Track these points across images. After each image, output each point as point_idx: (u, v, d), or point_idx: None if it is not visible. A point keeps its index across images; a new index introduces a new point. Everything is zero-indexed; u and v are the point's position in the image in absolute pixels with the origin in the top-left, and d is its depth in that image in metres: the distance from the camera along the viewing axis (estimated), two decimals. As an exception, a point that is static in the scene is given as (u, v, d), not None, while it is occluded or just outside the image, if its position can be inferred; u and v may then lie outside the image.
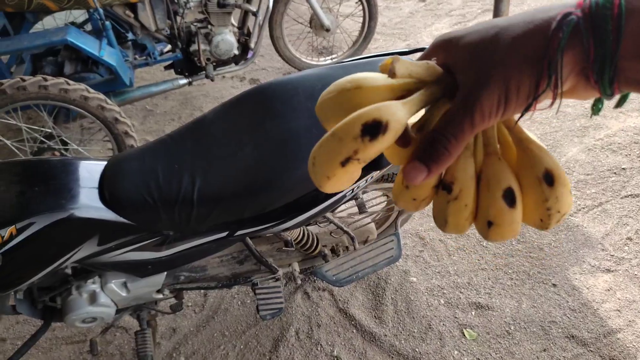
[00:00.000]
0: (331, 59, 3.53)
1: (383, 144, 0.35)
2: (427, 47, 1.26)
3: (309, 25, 3.37)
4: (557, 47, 0.31)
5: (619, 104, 0.36)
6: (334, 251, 1.67)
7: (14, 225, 1.06)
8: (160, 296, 1.45)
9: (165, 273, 1.39)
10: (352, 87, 0.39)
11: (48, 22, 2.85)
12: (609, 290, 1.89)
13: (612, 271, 1.96)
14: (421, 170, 0.35)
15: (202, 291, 1.96)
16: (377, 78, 0.39)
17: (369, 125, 0.34)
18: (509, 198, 0.39)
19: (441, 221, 0.41)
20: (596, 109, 0.37)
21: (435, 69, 0.38)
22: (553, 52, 0.31)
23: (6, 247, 1.06)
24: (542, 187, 0.38)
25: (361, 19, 3.41)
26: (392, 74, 0.37)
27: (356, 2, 3.37)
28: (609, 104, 2.30)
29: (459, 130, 0.34)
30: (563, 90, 0.34)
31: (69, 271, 1.29)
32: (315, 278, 1.98)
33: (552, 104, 0.34)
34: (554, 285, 1.92)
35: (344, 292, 1.95)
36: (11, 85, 2.02)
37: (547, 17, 0.32)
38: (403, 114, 0.35)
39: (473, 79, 0.34)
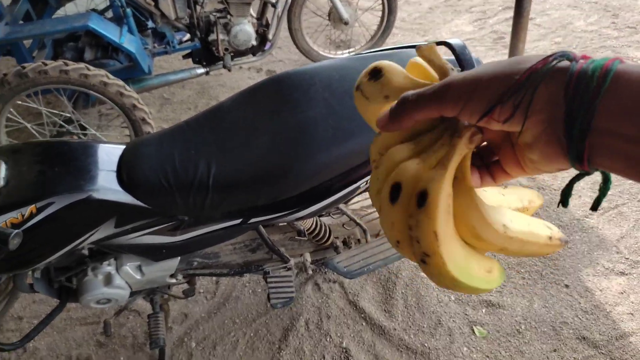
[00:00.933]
0: (349, 52, 3.52)
1: (374, 87, 0.44)
2: (446, 41, 1.23)
3: (327, 18, 3.36)
4: (541, 67, 0.32)
5: (595, 205, 0.35)
6: (345, 243, 1.67)
7: (34, 204, 1.08)
8: (174, 281, 1.47)
9: (179, 258, 1.40)
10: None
11: (70, 9, 2.88)
12: (622, 293, 1.87)
13: (627, 274, 1.93)
14: (385, 117, 0.40)
15: (214, 278, 1.98)
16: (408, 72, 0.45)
17: (375, 70, 0.44)
18: (394, 192, 0.39)
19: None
20: (565, 194, 0.36)
21: (448, 71, 0.42)
22: (535, 70, 0.32)
23: (26, 225, 1.08)
24: (412, 202, 0.38)
25: (380, 13, 3.39)
26: (419, 50, 0.44)
27: (376, -4, 3.35)
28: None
29: (420, 99, 0.37)
30: (524, 130, 0.34)
31: (85, 252, 1.31)
32: (326, 269, 1.98)
33: (506, 120, 0.33)
34: (567, 286, 1.91)
35: (354, 284, 1.96)
36: (33, 69, 2.05)
37: (546, 55, 0.33)
38: (398, 78, 0.43)
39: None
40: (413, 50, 1.32)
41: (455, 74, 0.38)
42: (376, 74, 0.43)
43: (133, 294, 1.44)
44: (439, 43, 1.38)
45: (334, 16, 3.29)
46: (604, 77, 0.29)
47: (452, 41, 1.34)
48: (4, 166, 1.12)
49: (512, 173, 0.41)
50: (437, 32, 3.94)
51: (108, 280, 1.34)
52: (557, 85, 0.31)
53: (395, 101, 0.41)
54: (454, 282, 0.39)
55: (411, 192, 0.39)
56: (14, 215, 1.07)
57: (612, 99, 0.29)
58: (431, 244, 0.37)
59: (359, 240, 1.69)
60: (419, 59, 0.45)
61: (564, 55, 0.32)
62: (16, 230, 1.02)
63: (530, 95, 0.32)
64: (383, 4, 3.31)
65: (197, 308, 1.90)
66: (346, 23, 3.27)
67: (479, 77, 0.34)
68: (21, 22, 2.47)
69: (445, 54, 1.38)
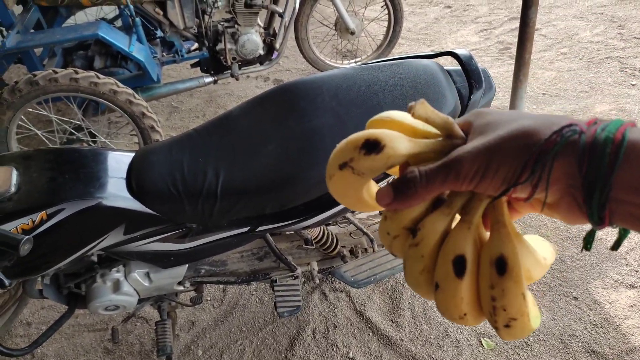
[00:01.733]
0: (355, 62, 3.54)
1: (375, 162, 0.38)
2: (453, 51, 1.24)
3: (334, 28, 3.39)
4: (550, 148, 0.32)
5: (616, 246, 0.35)
6: (352, 252, 1.67)
7: (44, 211, 1.09)
8: (181, 288, 1.47)
9: (187, 265, 1.41)
10: (387, 117, 0.43)
11: (80, 17, 2.92)
12: (632, 306, 1.85)
13: (636, 287, 1.91)
14: (388, 195, 0.38)
15: (221, 286, 1.98)
16: (408, 117, 0.42)
17: (369, 142, 0.38)
18: (458, 266, 0.38)
19: (403, 265, 0.42)
20: (587, 241, 0.36)
21: (452, 127, 0.40)
22: (544, 151, 0.32)
23: (37, 232, 1.08)
24: (490, 271, 0.37)
25: (386, 23, 3.41)
26: (411, 111, 0.40)
27: (382, 7, 3.37)
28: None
29: (432, 178, 0.36)
30: (546, 201, 0.34)
31: (94, 259, 1.31)
32: (333, 279, 1.98)
33: (528, 199, 0.34)
34: (575, 298, 1.89)
35: (361, 294, 1.95)
36: (44, 77, 2.07)
37: (558, 121, 0.33)
38: (402, 146, 0.38)
39: (469, 144, 0.36)
40: (418, 60, 1.33)
41: (464, 146, 0.36)
42: (374, 146, 0.37)
43: (141, 300, 1.44)
44: (446, 53, 1.39)
45: (340, 26, 3.32)
46: (615, 153, 0.30)
47: (459, 51, 1.35)
48: (15, 172, 1.12)
49: (522, 211, 0.41)
50: (442, 42, 3.96)
51: (116, 286, 1.34)
52: (569, 158, 0.31)
53: (388, 168, 0.39)
54: (530, 332, 0.38)
55: (479, 261, 0.38)
56: (24, 222, 1.08)
57: (627, 173, 0.29)
58: (521, 307, 0.36)
59: (365, 249, 1.68)
60: (393, 114, 0.42)
61: (571, 128, 0.32)
62: (27, 236, 1.02)
63: (547, 175, 0.32)
64: (389, 14, 3.34)
65: (204, 316, 1.90)
66: (352, 33, 3.29)
67: (491, 152, 0.34)
68: (32, 30, 2.50)
69: (451, 64, 1.38)
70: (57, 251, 1.16)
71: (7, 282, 1.03)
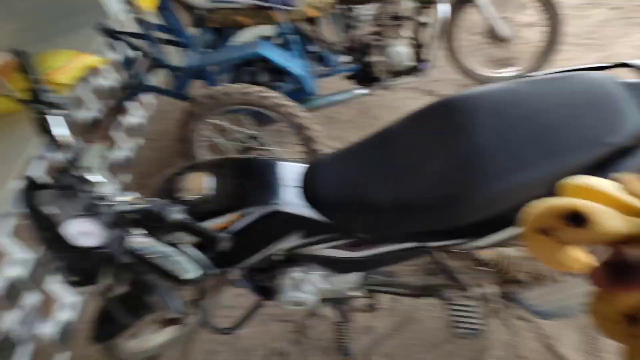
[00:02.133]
0: (510, 70, 3.32)
1: (580, 235, 0.38)
2: (629, 62, 1.06)
3: (485, 35, 3.21)
4: None
5: None
6: (535, 279, 1.52)
7: (237, 212, 1.23)
8: (356, 294, 1.53)
9: (360, 273, 1.46)
10: (592, 186, 0.42)
11: (245, 36, 3.16)
12: None
13: None
14: (605, 278, 0.37)
15: (394, 297, 1.97)
16: (610, 187, 0.41)
17: (576, 215, 0.39)
18: None
19: (626, 354, 0.38)
20: None
21: None
22: None
23: (231, 230, 1.22)
24: None
25: (542, 29, 3.13)
26: (622, 182, 0.40)
27: (538, 11, 3.10)
28: None
29: None
30: None
31: (281, 257, 1.42)
32: (514, 305, 1.83)
33: None
34: None
35: (548, 326, 1.78)
36: (219, 92, 2.30)
37: None
38: (614, 224, 0.37)
39: None
40: (589, 72, 1.20)
41: None
42: (578, 220, 0.38)
43: (322, 300, 1.53)
44: (618, 65, 1.23)
45: (492, 34, 3.14)
46: None
47: (636, 62, 1.19)
48: (214, 178, 1.29)
49: None
50: (611, 48, 3.53)
51: (299, 285, 1.43)
52: None
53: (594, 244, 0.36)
54: None
55: None
56: (221, 221, 1.22)
57: None
58: None
59: (550, 277, 1.51)
60: (598, 184, 0.40)
61: None
62: (226, 234, 1.16)
63: None
64: (547, 18, 3.06)
65: (379, 323, 1.93)
66: (505, 40, 3.09)
67: None
68: (204, 49, 2.78)
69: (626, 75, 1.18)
70: (246, 249, 1.29)
71: (214, 270, 1.21)
